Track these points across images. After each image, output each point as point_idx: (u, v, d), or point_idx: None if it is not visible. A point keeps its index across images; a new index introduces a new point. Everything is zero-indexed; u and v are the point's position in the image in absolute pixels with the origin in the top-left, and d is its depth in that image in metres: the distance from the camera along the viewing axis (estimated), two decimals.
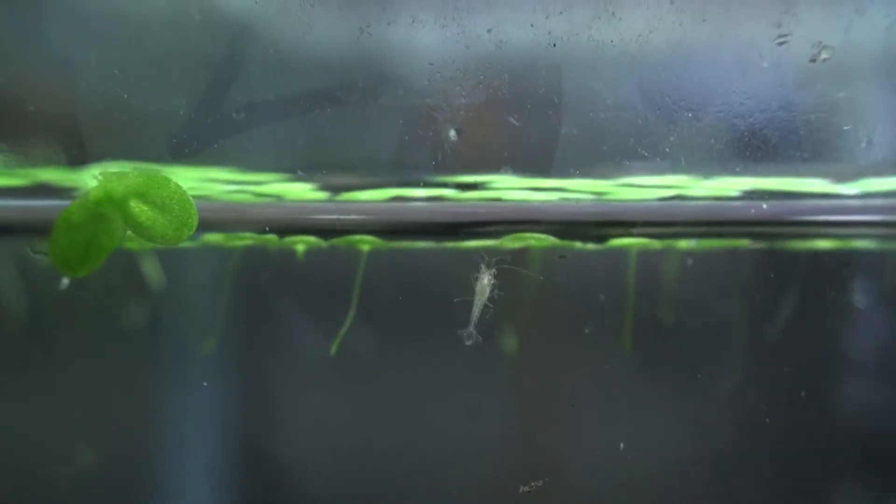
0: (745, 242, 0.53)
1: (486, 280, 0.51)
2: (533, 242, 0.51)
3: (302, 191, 0.51)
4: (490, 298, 0.52)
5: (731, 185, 0.52)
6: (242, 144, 0.51)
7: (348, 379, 0.56)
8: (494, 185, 0.51)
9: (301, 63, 0.50)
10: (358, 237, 0.51)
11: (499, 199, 0.51)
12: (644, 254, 0.53)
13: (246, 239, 0.51)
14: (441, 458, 0.57)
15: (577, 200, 0.51)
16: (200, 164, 0.50)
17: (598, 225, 0.51)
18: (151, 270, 0.53)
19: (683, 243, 0.52)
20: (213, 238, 0.51)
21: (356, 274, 0.52)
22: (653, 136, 0.51)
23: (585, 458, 0.57)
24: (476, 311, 0.52)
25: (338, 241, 0.51)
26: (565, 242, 0.51)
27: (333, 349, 0.53)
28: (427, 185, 0.51)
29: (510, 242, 0.51)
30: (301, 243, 0.51)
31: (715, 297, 0.55)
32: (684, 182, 0.52)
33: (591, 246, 0.52)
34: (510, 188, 0.51)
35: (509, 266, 0.52)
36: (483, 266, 0.51)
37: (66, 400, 0.56)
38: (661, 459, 0.57)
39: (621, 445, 0.55)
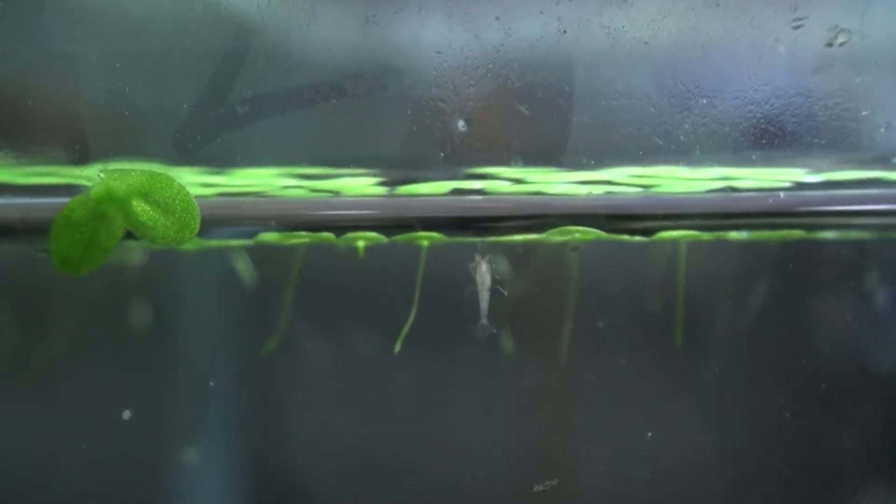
0: (797, 233, 0.51)
1: (483, 268, 0.50)
2: (578, 236, 0.49)
3: (362, 186, 0.50)
4: (493, 284, 0.50)
5: (773, 176, 0.50)
6: (247, 138, 0.49)
7: (361, 378, 0.55)
8: (529, 179, 0.50)
9: (306, 54, 0.49)
10: (422, 233, 0.49)
11: (541, 193, 0.50)
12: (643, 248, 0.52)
13: (303, 237, 0.49)
14: (455, 456, 0.57)
15: (590, 193, 0.50)
16: (207, 161, 0.49)
17: (611, 218, 0.50)
18: (155, 271, 0.52)
19: (734, 234, 0.51)
20: (270, 237, 0.50)
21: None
22: (667, 124, 0.50)
23: (600, 456, 0.56)
24: (484, 301, 0.51)
25: (399, 237, 0.49)
26: (612, 235, 0.50)
27: (397, 348, 0.52)
28: (441, 178, 0.50)
29: (556, 236, 0.49)
30: (361, 239, 0.50)
31: (734, 290, 0.54)
32: (732, 173, 0.50)
33: (637, 238, 0.50)
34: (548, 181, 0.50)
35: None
36: (478, 255, 0.50)
37: (86, 401, 0.55)
38: (677, 458, 0.56)
39: (649, 434, 0.54)
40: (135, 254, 0.52)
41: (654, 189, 0.50)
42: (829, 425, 0.56)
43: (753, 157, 0.50)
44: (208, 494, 0.56)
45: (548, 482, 0.53)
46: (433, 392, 0.56)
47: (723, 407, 0.57)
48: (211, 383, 0.55)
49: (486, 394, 0.55)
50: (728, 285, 0.55)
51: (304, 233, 0.49)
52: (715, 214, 0.50)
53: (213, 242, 0.51)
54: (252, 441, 0.57)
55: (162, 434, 0.55)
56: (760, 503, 0.57)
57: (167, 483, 0.56)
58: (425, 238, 0.49)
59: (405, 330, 0.51)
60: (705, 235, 0.51)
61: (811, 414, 0.56)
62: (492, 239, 0.50)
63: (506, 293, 0.51)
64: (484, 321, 0.51)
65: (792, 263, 0.54)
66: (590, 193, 0.49)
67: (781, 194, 0.49)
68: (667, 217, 0.49)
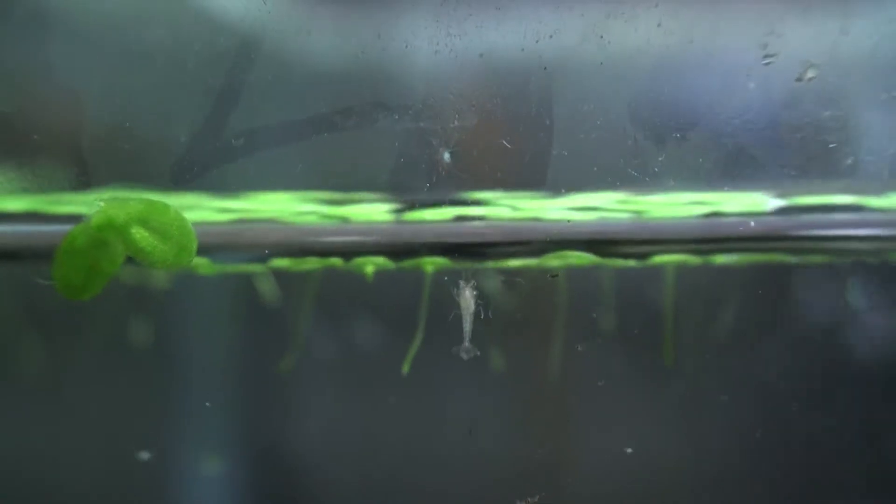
0: (775, 257, 0.53)
1: (467, 293, 0.52)
2: (574, 261, 0.51)
3: (373, 212, 0.52)
4: (478, 310, 0.52)
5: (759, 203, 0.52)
6: (242, 169, 0.51)
7: (347, 393, 0.57)
8: (520, 206, 0.52)
9: (297, 89, 0.51)
10: (428, 259, 0.51)
11: (538, 219, 0.52)
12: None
13: (313, 263, 0.51)
14: (439, 471, 0.58)
15: (569, 220, 0.52)
16: (212, 188, 0.51)
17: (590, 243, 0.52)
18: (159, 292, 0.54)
19: (721, 258, 0.53)
20: (282, 262, 0.51)
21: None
22: (642, 156, 0.52)
23: (582, 471, 0.58)
24: (467, 325, 0.52)
25: (408, 262, 0.51)
26: (604, 260, 0.52)
27: (406, 367, 0.53)
28: (427, 204, 0.52)
29: (552, 261, 0.51)
30: (370, 264, 0.52)
31: (705, 311, 0.56)
32: (707, 198, 0.52)
33: (631, 263, 0.52)
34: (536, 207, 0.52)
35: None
36: (462, 281, 0.52)
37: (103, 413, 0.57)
38: (659, 474, 0.58)
39: (628, 450, 0.55)
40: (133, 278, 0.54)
41: (642, 213, 0.52)
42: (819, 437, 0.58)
43: (726, 186, 0.52)
44: None
45: (529, 498, 0.54)
46: (421, 412, 0.57)
47: (709, 424, 0.58)
48: (207, 404, 0.57)
49: (472, 413, 0.57)
50: (713, 306, 0.57)
51: (313, 258, 0.51)
52: (706, 239, 0.52)
53: (212, 267, 0.52)
54: (241, 452, 0.59)
55: (155, 447, 0.57)
56: None
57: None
58: (430, 263, 0.51)
59: (412, 352, 0.53)
60: (695, 259, 0.53)
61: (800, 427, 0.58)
62: (490, 264, 0.52)
63: (490, 316, 0.53)
64: (467, 343, 0.53)
65: (766, 286, 0.56)
66: (570, 221, 0.52)
67: (752, 222, 0.51)
68: (657, 241, 0.51)
